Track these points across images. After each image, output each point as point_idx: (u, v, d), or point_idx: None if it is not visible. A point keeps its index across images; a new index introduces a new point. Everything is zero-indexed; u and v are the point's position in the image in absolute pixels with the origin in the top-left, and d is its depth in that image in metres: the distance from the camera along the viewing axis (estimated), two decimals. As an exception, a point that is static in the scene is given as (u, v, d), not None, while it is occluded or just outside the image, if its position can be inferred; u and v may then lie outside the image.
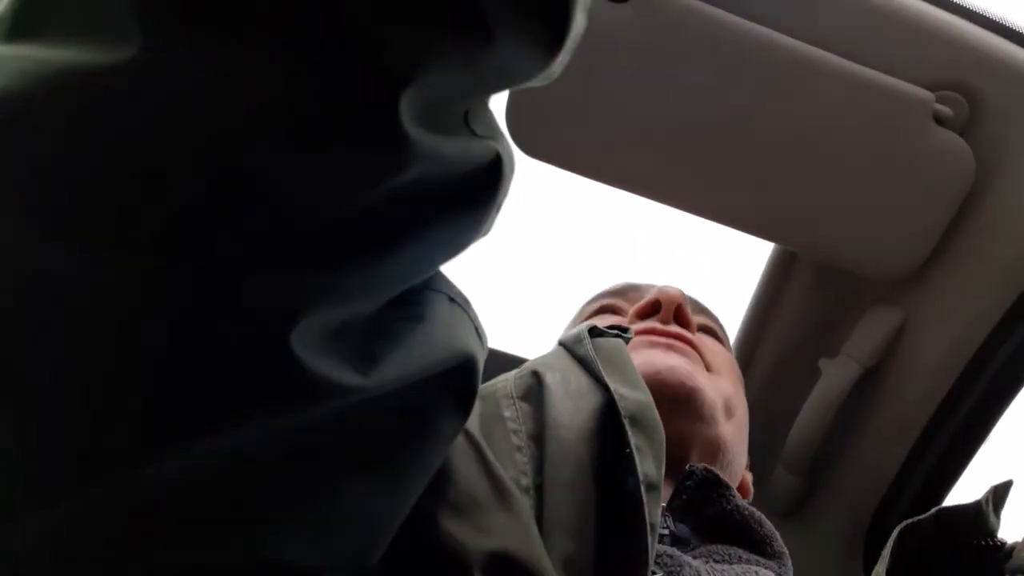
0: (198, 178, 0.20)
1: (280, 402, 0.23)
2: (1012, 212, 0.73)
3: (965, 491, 0.83)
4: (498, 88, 0.26)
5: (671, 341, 0.59)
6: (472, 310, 0.32)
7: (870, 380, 0.83)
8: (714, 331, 0.70)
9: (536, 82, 0.27)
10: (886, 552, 0.44)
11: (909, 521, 0.46)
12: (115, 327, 0.20)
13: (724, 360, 0.65)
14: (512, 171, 0.28)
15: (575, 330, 0.52)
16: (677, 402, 0.54)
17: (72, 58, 0.20)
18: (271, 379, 0.22)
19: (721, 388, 0.60)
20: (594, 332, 0.51)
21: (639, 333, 0.60)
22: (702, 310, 0.72)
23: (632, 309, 0.65)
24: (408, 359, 0.26)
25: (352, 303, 0.24)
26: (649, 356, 0.57)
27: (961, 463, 0.82)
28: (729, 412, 0.59)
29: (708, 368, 0.61)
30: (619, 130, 0.70)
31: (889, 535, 0.45)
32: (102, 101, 0.20)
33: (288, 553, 0.25)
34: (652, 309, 0.63)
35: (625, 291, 0.72)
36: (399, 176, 0.23)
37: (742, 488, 0.65)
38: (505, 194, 0.28)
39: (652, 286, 0.68)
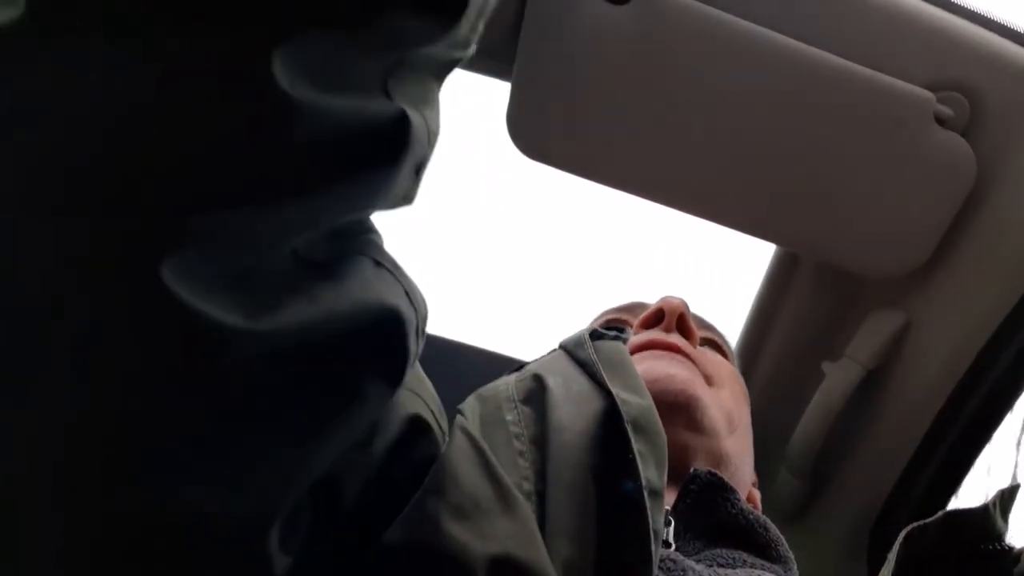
0: (65, 139, 0.22)
1: (158, 333, 0.24)
2: (1014, 212, 0.73)
3: (969, 493, 0.82)
4: (391, 52, 0.26)
5: (671, 353, 0.58)
6: (403, 276, 0.32)
7: (873, 382, 0.83)
8: (718, 345, 0.69)
9: (445, 51, 0.28)
10: (892, 555, 0.44)
11: (915, 524, 0.45)
12: None
13: (727, 374, 0.64)
14: (430, 140, 0.29)
15: (575, 333, 0.52)
16: (676, 410, 0.53)
17: None
18: (142, 307, 0.23)
19: (723, 401, 0.59)
20: (594, 335, 0.51)
21: (640, 347, 0.59)
22: (706, 326, 0.72)
23: (637, 320, 0.64)
24: (311, 308, 0.27)
25: (237, 246, 0.25)
26: (649, 365, 0.56)
27: (965, 465, 0.81)
28: (731, 426, 0.58)
29: (709, 381, 0.60)
30: (619, 132, 0.70)
31: (893, 538, 0.45)
32: None
33: (195, 499, 0.26)
34: (655, 319, 0.62)
35: (632, 308, 0.73)
36: (278, 130, 0.24)
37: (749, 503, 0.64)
38: (417, 159, 0.29)
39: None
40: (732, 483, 0.55)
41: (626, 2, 0.65)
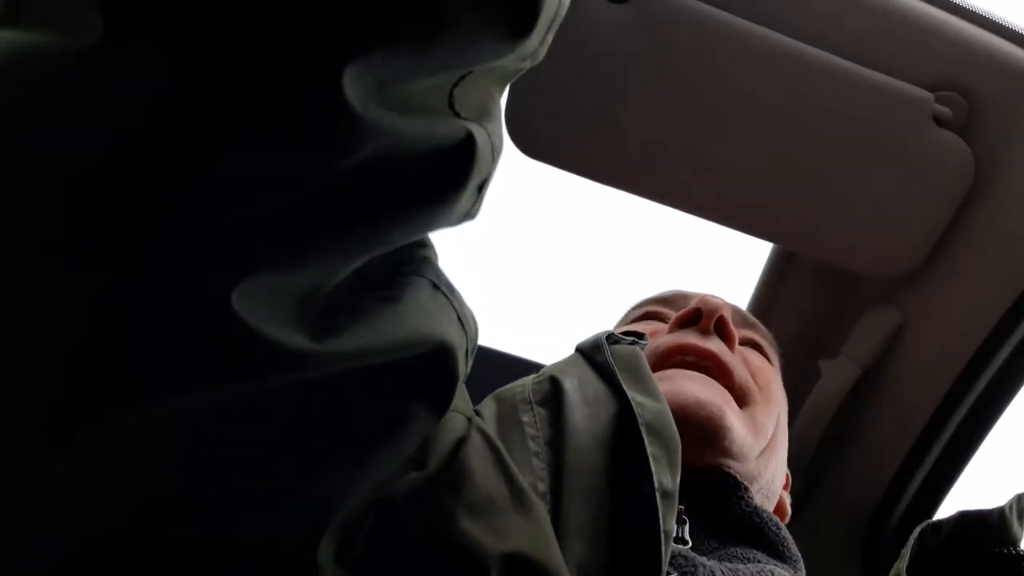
0: (146, 164, 0.21)
1: (225, 361, 0.23)
2: (1011, 212, 0.73)
3: (962, 492, 0.83)
4: (461, 67, 0.26)
5: (706, 377, 0.55)
6: (457, 299, 0.32)
7: (869, 381, 0.83)
8: (760, 346, 0.66)
9: (514, 62, 0.27)
10: (906, 550, 0.44)
11: (929, 521, 0.45)
12: (55, 288, 0.21)
13: (766, 380, 0.61)
14: (494, 157, 0.29)
15: (592, 337, 0.52)
16: (704, 437, 0.51)
17: (38, 42, 0.21)
18: (214, 337, 0.23)
19: (757, 422, 0.56)
20: (611, 339, 0.51)
21: (673, 349, 0.57)
22: (750, 324, 0.68)
23: (673, 318, 0.61)
24: (371, 334, 0.27)
25: (304, 270, 0.25)
26: (678, 386, 0.53)
27: (959, 464, 0.82)
28: (761, 442, 0.56)
29: (744, 397, 0.57)
30: (617, 130, 0.70)
31: (888, 536, 0.45)
32: (62, 83, 0.21)
33: (242, 524, 0.26)
34: (692, 318, 0.59)
35: (672, 299, 0.69)
36: (351, 151, 0.23)
37: (779, 510, 0.63)
38: (481, 177, 0.28)
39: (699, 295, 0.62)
40: (759, 497, 0.55)
41: (626, 1, 0.65)
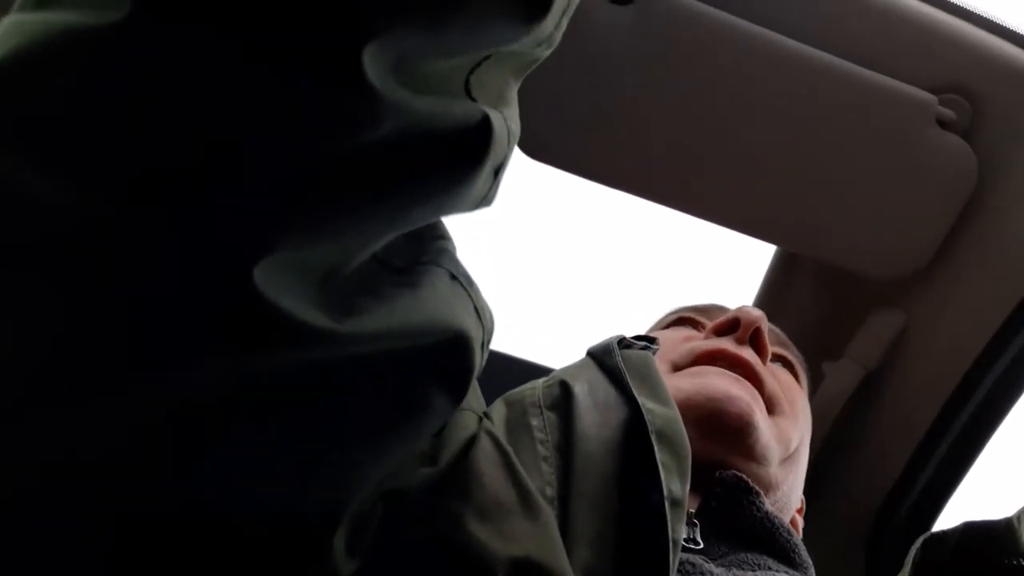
0: (169, 135, 0.22)
1: (246, 339, 0.23)
2: (1015, 214, 0.73)
3: (966, 495, 0.83)
4: (477, 50, 0.26)
5: (738, 376, 0.56)
6: (475, 290, 0.32)
7: (872, 383, 0.83)
8: (791, 364, 0.67)
9: (530, 47, 0.28)
10: (908, 561, 0.44)
11: (932, 532, 0.45)
12: (80, 252, 0.22)
13: (794, 397, 0.61)
14: (510, 141, 0.29)
15: (604, 341, 0.52)
16: (731, 433, 0.52)
17: (72, 20, 0.22)
18: (232, 310, 0.23)
19: (781, 430, 0.57)
20: (622, 344, 0.50)
21: (708, 353, 0.57)
22: (782, 342, 0.69)
23: (710, 325, 0.62)
24: (390, 317, 0.27)
25: (323, 245, 0.25)
26: (711, 380, 0.54)
27: (963, 467, 0.82)
28: (785, 453, 0.56)
29: (772, 407, 0.58)
30: (620, 132, 0.70)
31: (891, 540, 0.45)
32: (92, 58, 0.21)
33: (257, 511, 0.26)
34: (730, 327, 0.60)
35: (709, 309, 0.70)
36: (370, 128, 0.24)
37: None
38: (497, 161, 0.29)
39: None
40: (776, 508, 0.54)
41: (629, 2, 0.65)
